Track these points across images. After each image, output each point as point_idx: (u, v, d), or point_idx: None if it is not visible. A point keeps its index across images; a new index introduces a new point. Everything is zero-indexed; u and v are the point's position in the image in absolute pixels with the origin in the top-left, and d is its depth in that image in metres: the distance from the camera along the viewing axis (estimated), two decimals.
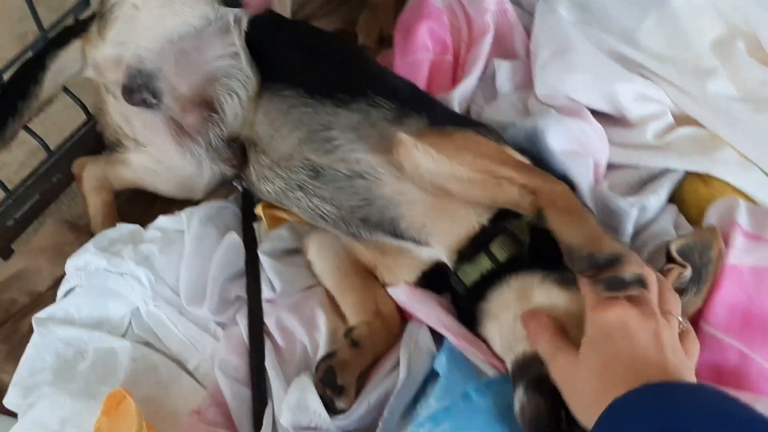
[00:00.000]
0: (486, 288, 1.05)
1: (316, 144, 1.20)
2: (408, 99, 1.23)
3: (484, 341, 1.06)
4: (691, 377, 0.84)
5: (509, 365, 0.99)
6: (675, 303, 0.93)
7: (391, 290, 1.18)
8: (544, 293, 0.99)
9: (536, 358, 0.93)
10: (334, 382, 1.05)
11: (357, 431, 1.07)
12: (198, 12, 1.28)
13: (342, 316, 1.21)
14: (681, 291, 1.06)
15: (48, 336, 1.18)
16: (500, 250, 1.06)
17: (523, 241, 1.06)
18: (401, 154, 1.11)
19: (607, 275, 0.89)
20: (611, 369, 0.82)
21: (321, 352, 1.14)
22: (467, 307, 1.08)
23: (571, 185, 1.16)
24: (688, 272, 1.04)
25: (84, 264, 1.23)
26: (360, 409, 1.05)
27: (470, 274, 1.08)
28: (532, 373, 0.93)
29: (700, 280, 1.06)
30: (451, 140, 1.10)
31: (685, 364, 0.85)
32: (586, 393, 0.83)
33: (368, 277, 1.24)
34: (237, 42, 1.30)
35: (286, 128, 1.23)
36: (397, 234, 1.15)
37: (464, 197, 1.09)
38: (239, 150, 1.31)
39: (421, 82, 1.42)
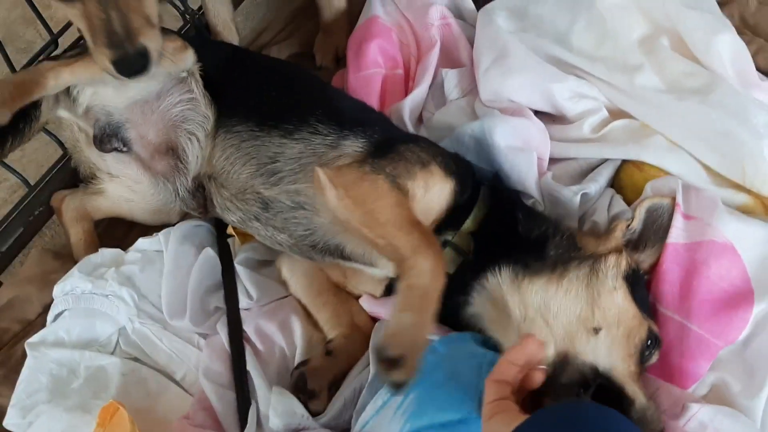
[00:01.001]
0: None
1: (264, 177, 1.28)
2: (348, 120, 1.30)
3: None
4: None
5: None
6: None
7: (360, 301, 1.29)
8: (531, 289, 1.09)
9: (563, 360, 1.03)
10: (305, 387, 1.18)
11: (338, 426, 1.17)
12: (159, 77, 1.35)
13: (318, 328, 1.31)
14: (635, 245, 1.20)
15: (41, 358, 1.26)
16: (448, 264, 1.15)
17: (466, 251, 1.18)
18: (317, 189, 1.18)
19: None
20: None
21: (298, 354, 1.24)
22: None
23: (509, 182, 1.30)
24: (634, 224, 1.18)
25: (71, 288, 1.32)
26: (336, 404, 1.16)
27: None
28: (562, 379, 1.02)
29: (662, 237, 1.19)
30: (360, 186, 1.15)
31: None
32: None
33: (340, 292, 1.34)
34: (194, 87, 1.38)
35: (239, 163, 1.31)
36: (345, 257, 1.25)
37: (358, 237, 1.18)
38: (203, 199, 1.39)
39: (374, 96, 1.52)
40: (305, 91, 1.42)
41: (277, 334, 1.26)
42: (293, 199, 1.26)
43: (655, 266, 1.21)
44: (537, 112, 1.45)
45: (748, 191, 1.30)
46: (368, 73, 1.55)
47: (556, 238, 1.16)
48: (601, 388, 1.02)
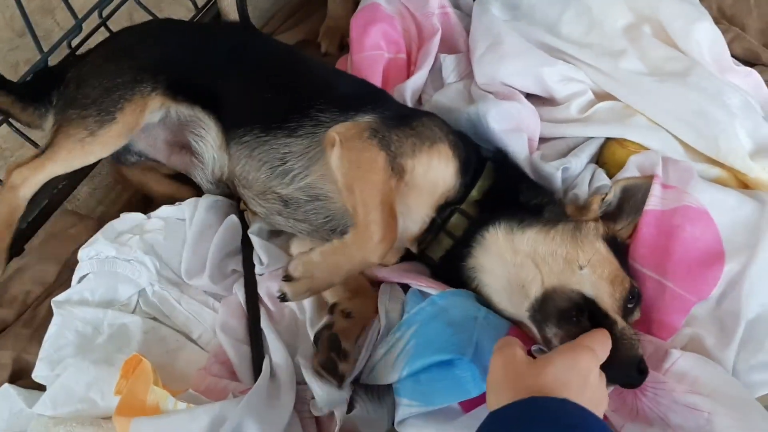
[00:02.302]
0: (453, 259, 1.27)
1: (279, 179, 1.36)
2: (353, 102, 1.36)
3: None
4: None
5: (526, 311, 1.16)
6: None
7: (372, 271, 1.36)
8: (523, 239, 1.21)
9: (552, 294, 1.14)
10: (339, 347, 1.23)
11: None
12: None
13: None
14: (610, 216, 1.30)
15: (67, 316, 1.34)
16: (456, 227, 1.28)
17: (472, 215, 1.28)
18: (327, 148, 1.28)
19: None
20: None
21: (309, 318, 1.33)
22: (446, 272, 1.29)
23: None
24: (609, 197, 1.29)
25: (95, 253, 1.40)
26: (359, 364, 1.23)
27: (437, 251, 1.30)
28: (556, 308, 1.13)
29: (638, 212, 1.30)
30: (361, 155, 1.24)
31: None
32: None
33: None
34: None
35: (254, 170, 1.39)
36: None
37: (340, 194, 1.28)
38: (227, 189, 1.50)
39: (377, 77, 1.62)
40: (305, 83, 1.46)
41: None
42: (308, 193, 1.35)
43: (633, 234, 1.31)
44: (528, 95, 1.55)
45: (722, 165, 1.41)
46: (371, 54, 1.64)
47: (550, 205, 1.28)
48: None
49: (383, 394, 1.23)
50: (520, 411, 0.87)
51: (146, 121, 1.43)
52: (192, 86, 1.44)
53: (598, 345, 1.01)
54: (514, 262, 1.19)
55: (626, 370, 1.08)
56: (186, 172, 1.53)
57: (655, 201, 1.31)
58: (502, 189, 1.32)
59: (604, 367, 1.01)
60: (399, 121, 1.32)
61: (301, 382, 1.24)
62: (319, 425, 1.23)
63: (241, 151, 1.41)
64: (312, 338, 1.26)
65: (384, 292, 1.31)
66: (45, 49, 1.52)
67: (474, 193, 1.30)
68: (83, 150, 1.40)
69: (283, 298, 1.17)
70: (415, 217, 1.29)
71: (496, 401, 0.91)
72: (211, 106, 1.44)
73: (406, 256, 1.37)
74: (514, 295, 1.19)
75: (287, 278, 1.17)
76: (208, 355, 1.33)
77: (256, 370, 1.25)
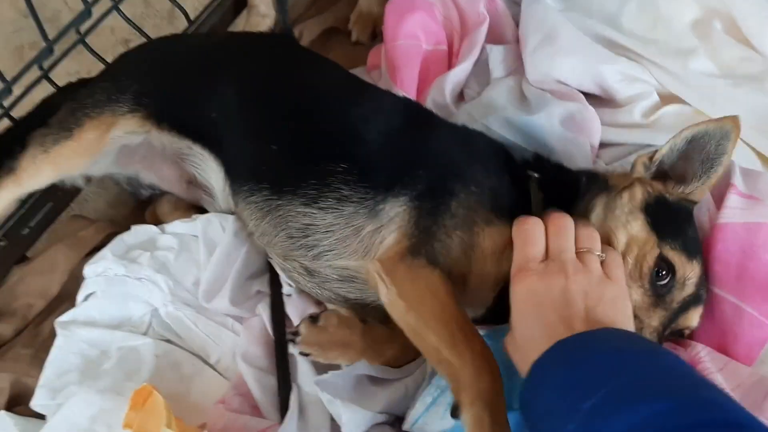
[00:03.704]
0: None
1: (302, 250, 1.15)
2: (381, 174, 1.13)
3: None
4: (606, 311, 0.91)
5: None
6: (589, 238, 0.99)
7: None
8: None
9: None
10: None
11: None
12: None
13: None
14: (677, 177, 1.11)
15: (71, 338, 1.22)
16: None
17: None
18: (370, 281, 1.09)
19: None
20: (530, 339, 0.91)
21: None
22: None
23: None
24: (662, 152, 1.08)
25: (102, 270, 1.27)
26: (398, 392, 1.11)
27: None
28: None
29: (711, 168, 1.08)
30: (415, 287, 1.03)
31: (600, 305, 0.92)
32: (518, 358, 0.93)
33: None
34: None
35: (271, 233, 1.18)
36: None
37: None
38: None
39: (414, 70, 1.46)
40: (317, 133, 1.20)
41: None
42: (340, 273, 1.14)
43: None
44: (585, 95, 1.39)
45: None
46: (407, 44, 1.48)
47: (592, 185, 1.12)
48: None
49: None
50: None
51: (122, 143, 1.26)
52: (181, 116, 1.26)
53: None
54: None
55: None
56: (202, 206, 1.36)
57: (732, 213, 1.14)
58: (553, 193, 1.13)
59: None
60: (435, 205, 1.09)
61: None
62: None
63: (251, 211, 1.20)
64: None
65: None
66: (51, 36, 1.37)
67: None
68: (35, 168, 1.25)
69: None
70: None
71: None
72: (207, 143, 1.26)
73: None
74: None
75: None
76: (228, 385, 1.19)
77: (283, 404, 1.12)
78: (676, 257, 1.02)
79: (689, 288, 1.04)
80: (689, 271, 1.03)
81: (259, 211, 1.18)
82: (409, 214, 1.09)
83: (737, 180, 1.19)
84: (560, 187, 1.14)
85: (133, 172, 1.35)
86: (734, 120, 1.06)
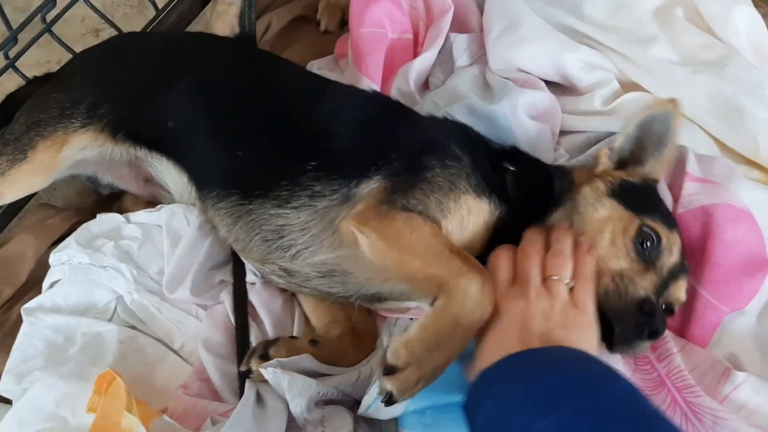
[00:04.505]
0: None
1: (279, 252, 1.15)
2: (352, 163, 1.13)
3: None
4: (566, 335, 0.92)
5: None
6: (559, 266, 0.99)
7: None
8: None
9: None
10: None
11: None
12: None
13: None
14: (634, 160, 1.15)
15: (37, 324, 1.24)
16: None
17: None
18: (349, 245, 1.09)
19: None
20: (484, 350, 0.93)
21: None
22: None
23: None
24: (619, 142, 1.14)
25: (67, 258, 1.29)
26: (352, 375, 1.13)
27: None
28: None
29: (662, 145, 1.13)
30: (393, 226, 1.04)
31: (560, 328, 0.93)
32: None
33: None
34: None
35: (244, 239, 1.19)
36: (381, 300, 1.17)
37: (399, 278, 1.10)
38: None
39: (380, 58, 1.47)
40: (284, 134, 1.21)
41: (282, 308, 1.25)
42: (319, 270, 1.15)
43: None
44: (547, 83, 1.41)
45: (761, 167, 1.28)
46: (371, 32, 1.48)
47: (563, 184, 1.15)
48: None
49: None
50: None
51: (77, 159, 1.26)
52: (138, 125, 1.25)
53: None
54: None
55: (626, 320, 0.98)
56: (163, 203, 1.35)
57: (689, 200, 1.18)
58: (526, 192, 1.15)
59: (604, 332, 0.96)
60: (411, 176, 1.10)
61: None
62: None
63: (221, 218, 1.20)
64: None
65: (386, 327, 1.19)
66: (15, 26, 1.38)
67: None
68: None
69: (390, 398, 0.92)
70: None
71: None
72: (166, 151, 1.26)
73: None
74: None
75: (388, 371, 0.92)
76: (190, 371, 1.21)
77: (242, 390, 1.13)
78: (657, 226, 1.05)
79: (676, 255, 1.06)
80: (673, 239, 1.06)
81: (230, 216, 1.19)
82: (383, 185, 1.10)
83: (692, 167, 1.21)
84: (535, 185, 1.16)
85: (92, 173, 1.36)
86: (674, 101, 1.13)
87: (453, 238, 1.07)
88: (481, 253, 1.07)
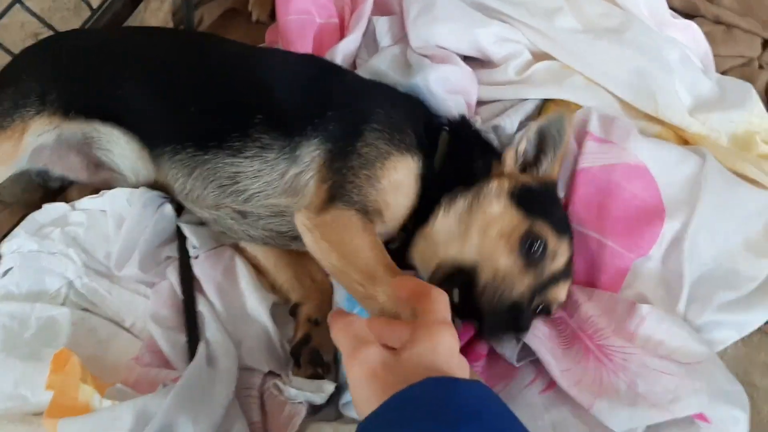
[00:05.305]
0: None
1: (233, 197, 1.26)
2: (293, 119, 1.24)
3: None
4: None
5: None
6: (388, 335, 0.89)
7: None
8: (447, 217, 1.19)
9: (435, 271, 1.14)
10: (322, 361, 1.20)
11: None
12: None
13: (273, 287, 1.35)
14: (529, 164, 1.26)
15: None
16: None
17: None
18: (298, 229, 1.19)
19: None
20: None
21: (261, 306, 1.28)
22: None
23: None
24: (522, 146, 1.24)
25: (17, 247, 1.35)
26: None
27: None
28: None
29: (556, 147, 1.24)
30: (335, 228, 1.14)
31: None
32: None
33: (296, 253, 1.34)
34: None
35: (199, 187, 1.28)
36: None
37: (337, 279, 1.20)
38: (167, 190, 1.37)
39: (307, 43, 1.55)
40: (231, 91, 1.32)
41: (222, 275, 1.32)
42: (271, 210, 1.25)
43: (570, 193, 1.29)
44: (465, 58, 1.50)
45: (662, 122, 1.39)
46: (299, 18, 1.56)
47: (478, 165, 1.24)
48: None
49: None
50: (395, 405, 0.75)
51: (35, 145, 1.33)
52: (88, 100, 1.33)
53: (445, 309, 0.89)
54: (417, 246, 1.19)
55: (495, 318, 1.08)
56: (112, 187, 1.40)
57: (590, 158, 1.28)
58: (456, 158, 1.26)
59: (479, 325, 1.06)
60: (345, 145, 1.22)
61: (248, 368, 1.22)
62: (263, 406, 1.19)
63: (176, 170, 1.29)
64: (289, 351, 1.25)
65: (337, 288, 1.27)
66: None
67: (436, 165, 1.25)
68: None
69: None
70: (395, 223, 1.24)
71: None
72: (114, 118, 1.33)
73: None
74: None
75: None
76: (141, 344, 1.28)
77: (192, 355, 1.20)
78: (545, 231, 1.14)
79: (560, 261, 1.15)
80: (560, 246, 1.15)
81: (186, 167, 1.28)
82: (322, 158, 1.22)
83: (593, 127, 1.31)
84: (462, 152, 1.27)
85: (42, 167, 1.41)
86: (566, 110, 1.30)
87: (390, 206, 1.19)
88: (417, 207, 1.20)
